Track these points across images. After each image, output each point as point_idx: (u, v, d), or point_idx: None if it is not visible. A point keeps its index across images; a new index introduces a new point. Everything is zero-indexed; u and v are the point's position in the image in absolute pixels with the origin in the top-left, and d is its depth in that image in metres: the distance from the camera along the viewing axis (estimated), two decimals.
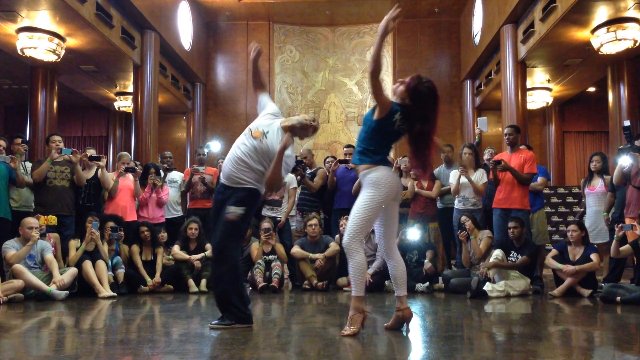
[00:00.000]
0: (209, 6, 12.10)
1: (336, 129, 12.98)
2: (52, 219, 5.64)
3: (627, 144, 5.86)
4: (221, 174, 3.57)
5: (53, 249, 5.45)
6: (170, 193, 6.84)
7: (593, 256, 5.27)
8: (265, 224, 6.16)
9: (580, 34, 8.50)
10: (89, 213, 5.73)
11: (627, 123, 6.07)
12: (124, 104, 12.12)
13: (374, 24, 12.82)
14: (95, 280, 5.27)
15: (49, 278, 5.11)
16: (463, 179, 6.06)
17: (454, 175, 6.26)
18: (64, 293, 4.97)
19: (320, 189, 6.73)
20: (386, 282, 5.79)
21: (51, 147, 5.91)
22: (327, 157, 6.98)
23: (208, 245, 6.08)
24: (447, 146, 6.82)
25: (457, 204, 6.24)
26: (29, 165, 6.02)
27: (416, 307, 4.52)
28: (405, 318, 3.26)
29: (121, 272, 5.64)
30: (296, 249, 6.15)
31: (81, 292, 5.27)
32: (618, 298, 4.70)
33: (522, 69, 9.69)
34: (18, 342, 3.25)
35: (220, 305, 3.44)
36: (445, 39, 12.85)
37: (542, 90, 11.57)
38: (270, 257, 6.10)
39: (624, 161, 5.50)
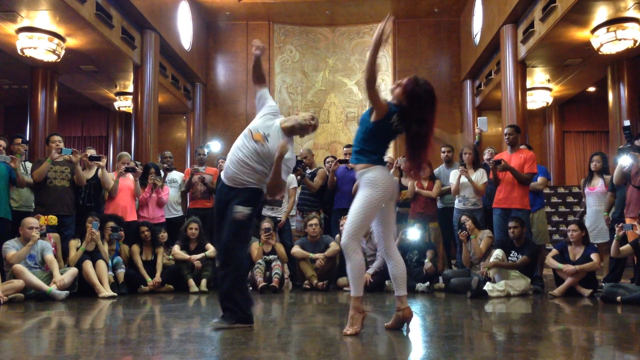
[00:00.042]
0: (209, 6, 12.10)
1: (336, 129, 12.98)
2: (53, 219, 5.65)
3: (627, 143, 5.86)
4: (222, 175, 3.58)
5: (53, 249, 5.46)
6: (171, 193, 6.84)
7: (593, 256, 5.27)
8: (266, 224, 6.16)
9: (580, 34, 8.50)
10: (89, 213, 5.73)
11: (627, 123, 6.07)
12: (124, 104, 12.12)
13: (374, 24, 12.82)
14: (95, 280, 5.27)
15: (49, 278, 5.11)
16: (463, 179, 6.06)
17: (454, 175, 6.26)
18: (64, 293, 4.98)
19: (321, 189, 6.73)
20: (386, 282, 5.79)
21: (51, 147, 5.91)
22: (327, 157, 6.98)
23: (208, 245, 6.08)
24: (447, 146, 6.82)
25: (457, 204, 6.24)
26: (29, 165, 6.02)
27: (416, 307, 4.52)
28: (406, 318, 3.26)
29: (121, 272, 5.64)
30: (296, 249, 6.15)
31: (81, 292, 5.27)
32: (618, 298, 4.70)
33: (522, 69, 9.69)
34: (18, 342, 3.25)
35: (223, 304, 3.46)
36: (445, 39, 12.85)
37: (542, 90, 11.57)
38: (271, 257, 6.10)
39: (624, 161, 5.50)
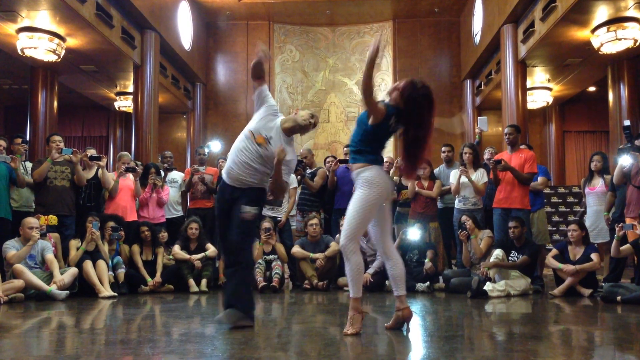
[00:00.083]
0: (209, 6, 12.09)
1: (336, 129, 12.97)
2: (53, 219, 5.65)
3: (627, 143, 5.86)
4: (225, 176, 3.59)
5: (53, 248, 5.46)
6: (171, 193, 6.84)
7: (593, 256, 5.27)
8: (266, 224, 6.16)
9: (581, 34, 8.50)
10: (90, 213, 5.74)
11: (627, 122, 6.07)
12: (124, 104, 12.12)
13: (374, 24, 12.83)
14: (95, 280, 5.27)
15: (49, 278, 5.11)
16: (463, 179, 6.06)
17: (454, 175, 6.26)
18: (64, 293, 4.98)
19: (321, 189, 6.73)
20: (386, 282, 5.78)
21: (51, 147, 5.91)
22: (328, 157, 6.98)
23: (208, 245, 6.09)
24: (447, 145, 6.83)
25: (457, 204, 6.24)
26: (29, 165, 6.02)
27: (416, 307, 4.52)
28: (405, 318, 3.26)
29: (122, 272, 5.64)
30: (296, 249, 6.15)
31: (82, 292, 5.27)
32: (618, 298, 4.70)
33: (522, 68, 9.68)
34: (18, 342, 3.25)
35: (229, 301, 3.47)
36: (445, 39, 12.84)
37: (542, 89, 11.56)
38: (271, 257, 6.11)
39: (624, 161, 5.50)
